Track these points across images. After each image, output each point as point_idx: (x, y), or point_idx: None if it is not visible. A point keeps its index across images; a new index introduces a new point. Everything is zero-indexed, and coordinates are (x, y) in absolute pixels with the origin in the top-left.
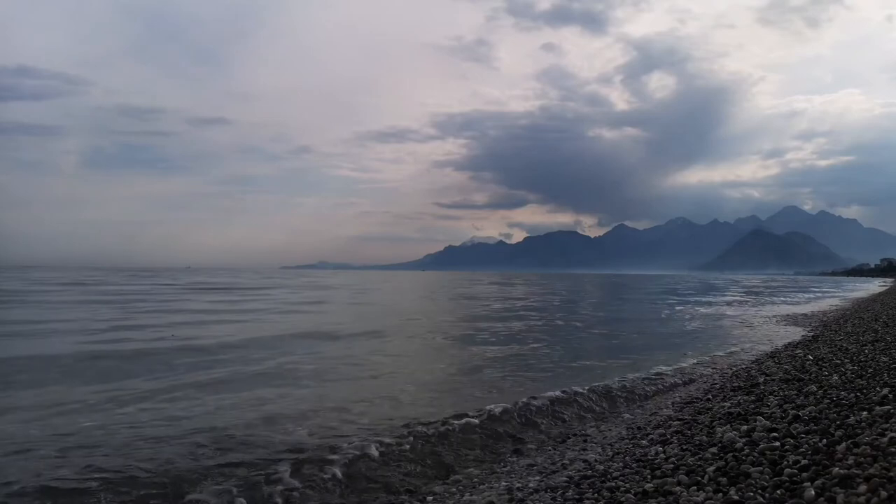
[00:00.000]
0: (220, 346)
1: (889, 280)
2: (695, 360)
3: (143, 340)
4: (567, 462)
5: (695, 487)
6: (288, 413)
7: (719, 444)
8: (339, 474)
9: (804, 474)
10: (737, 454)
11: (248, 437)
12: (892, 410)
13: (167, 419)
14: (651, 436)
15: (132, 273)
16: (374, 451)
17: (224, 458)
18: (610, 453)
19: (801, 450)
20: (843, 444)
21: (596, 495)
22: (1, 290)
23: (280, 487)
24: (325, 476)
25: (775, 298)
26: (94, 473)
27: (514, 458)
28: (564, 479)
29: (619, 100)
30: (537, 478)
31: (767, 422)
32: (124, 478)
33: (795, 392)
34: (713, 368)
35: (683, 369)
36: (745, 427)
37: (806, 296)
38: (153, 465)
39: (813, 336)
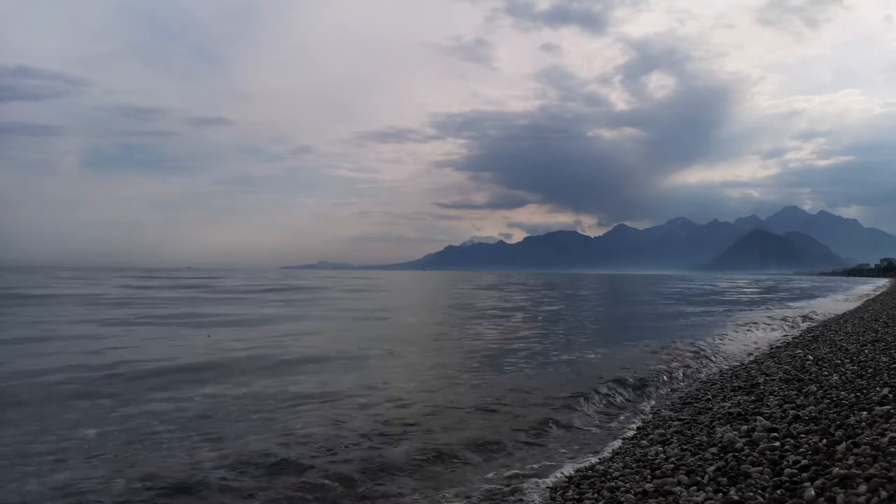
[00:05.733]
0: None
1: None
2: (692, 359)
3: None
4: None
5: (695, 487)
6: None
7: (719, 444)
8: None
9: (804, 474)
10: (737, 454)
11: None
12: (892, 410)
13: None
14: (651, 436)
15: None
16: (366, 448)
17: None
18: (610, 453)
19: (801, 450)
20: (843, 444)
21: (596, 495)
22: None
23: None
24: None
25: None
26: None
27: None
28: (564, 479)
29: (619, 100)
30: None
31: (767, 422)
32: None
33: (795, 392)
34: (712, 367)
35: (681, 369)
36: (745, 427)
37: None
38: None
39: (813, 336)
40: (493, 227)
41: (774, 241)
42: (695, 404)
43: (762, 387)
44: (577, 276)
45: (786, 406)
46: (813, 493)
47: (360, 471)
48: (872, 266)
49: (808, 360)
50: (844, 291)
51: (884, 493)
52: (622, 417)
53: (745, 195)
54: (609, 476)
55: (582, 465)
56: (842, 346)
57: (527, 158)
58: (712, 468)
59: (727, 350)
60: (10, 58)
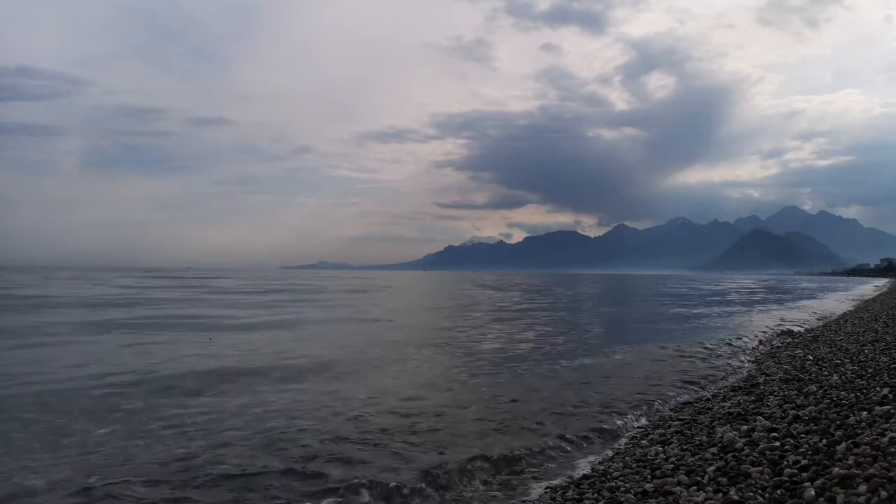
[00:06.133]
0: None
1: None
2: (698, 360)
3: None
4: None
5: (695, 487)
6: None
7: (719, 444)
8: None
9: (804, 474)
10: (737, 454)
11: None
12: (892, 410)
13: None
14: (651, 436)
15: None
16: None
17: None
18: (610, 453)
19: (801, 450)
20: (843, 444)
21: (596, 495)
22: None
23: None
24: None
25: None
26: None
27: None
28: (565, 478)
29: (619, 100)
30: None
31: (767, 422)
32: None
33: (795, 392)
34: (712, 367)
35: (681, 368)
36: (745, 427)
37: None
38: None
39: (813, 336)
40: (493, 227)
41: (774, 241)
42: (695, 404)
43: (762, 387)
44: (577, 276)
45: (786, 406)
46: (813, 493)
47: (363, 471)
48: (872, 266)
49: (808, 360)
50: (844, 291)
51: (884, 493)
52: (628, 417)
53: (745, 195)
54: (609, 476)
55: (583, 466)
56: (842, 346)
57: (527, 158)
58: (712, 468)
59: (730, 350)
60: (10, 58)
